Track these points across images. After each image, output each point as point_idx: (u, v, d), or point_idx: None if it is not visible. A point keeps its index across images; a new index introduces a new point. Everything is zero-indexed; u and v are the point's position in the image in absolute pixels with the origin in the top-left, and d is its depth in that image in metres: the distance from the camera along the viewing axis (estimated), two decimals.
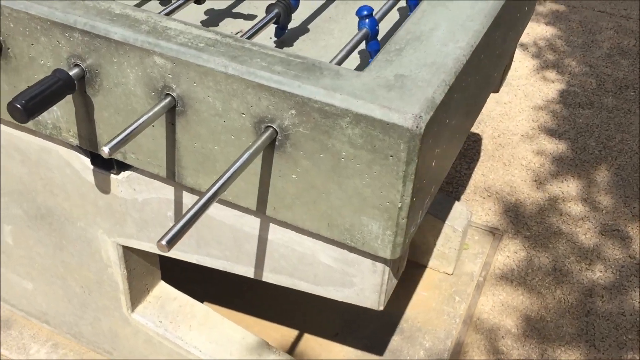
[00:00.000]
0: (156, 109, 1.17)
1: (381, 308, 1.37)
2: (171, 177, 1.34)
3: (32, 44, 1.29)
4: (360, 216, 1.17)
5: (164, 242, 0.94)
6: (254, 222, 1.36)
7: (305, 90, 1.08)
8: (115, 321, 1.88)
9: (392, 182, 1.10)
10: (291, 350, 2.19)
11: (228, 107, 1.16)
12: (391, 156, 1.07)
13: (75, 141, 1.41)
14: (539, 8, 4.13)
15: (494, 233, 2.65)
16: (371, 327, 2.27)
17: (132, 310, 1.82)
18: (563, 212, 2.74)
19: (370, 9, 1.43)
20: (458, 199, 2.79)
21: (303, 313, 2.29)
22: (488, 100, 3.31)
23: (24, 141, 1.57)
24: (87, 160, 1.49)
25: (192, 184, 1.32)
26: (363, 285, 1.33)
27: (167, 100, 1.20)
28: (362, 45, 1.46)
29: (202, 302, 1.92)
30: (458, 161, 2.97)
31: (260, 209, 1.28)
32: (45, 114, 1.40)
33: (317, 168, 1.15)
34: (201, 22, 1.63)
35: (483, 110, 3.27)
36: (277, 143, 1.16)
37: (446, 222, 2.34)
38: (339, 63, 1.31)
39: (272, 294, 2.34)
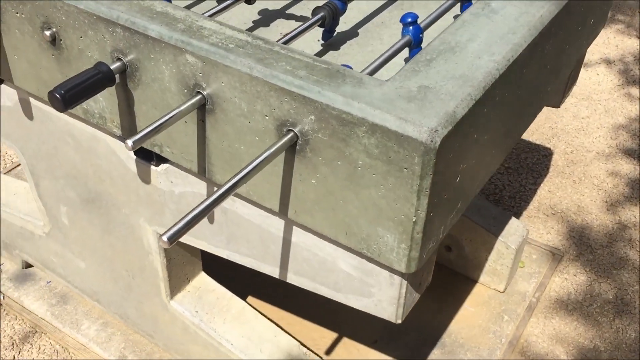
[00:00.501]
0: (183, 107, 1.19)
1: (399, 321, 1.34)
2: (202, 172, 1.37)
3: (81, 37, 1.35)
4: (376, 227, 1.15)
5: (165, 238, 0.96)
6: (278, 224, 1.37)
7: (324, 97, 1.08)
8: (156, 307, 1.94)
9: (406, 195, 1.08)
10: (328, 352, 2.19)
11: (253, 109, 1.17)
12: (405, 169, 1.05)
13: (118, 131, 1.46)
14: (631, 20, 3.92)
15: (554, 253, 2.54)
16: (412, 337, 2.23)
17: (171, 298, 1.87)
18: (632, 239, 2.59)
19: (415, 16, 1.40)
20: (519, 214, 2.69)
21: (345, 316, 2.28)
22: (564, 114, 3.18)
23: (77, 128, 1.64)
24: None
25: (220, 181, 1.34)
26: (381, 296, 1.31)
27: (197, 98, 1.23)
28: (406, 53, 1.44)
29: (246, 294, 1.93)
30: (524, 175, 2.87)
31: (282, 211, 1.28)
32: (92, 103, 1.46)
33: (335, 175, 1.14)
34: (253, 22, 1.65)
35: (557, 124, 3.14)
36: (297, 147, 1.16)
37: (499, 237, 2.27)
38: (375, 70, 1.29)
39: (316, 295, 2.34)
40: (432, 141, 1.01)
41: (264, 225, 1.40)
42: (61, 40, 1.40)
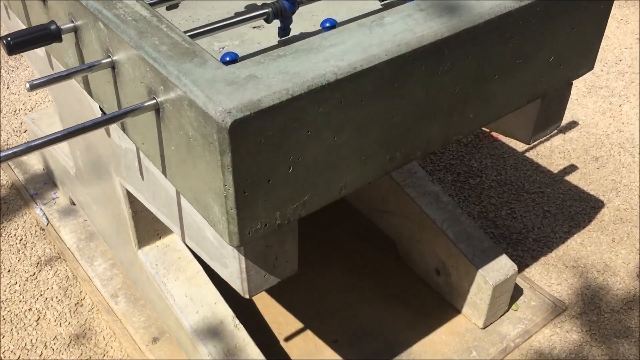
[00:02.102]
0: (86, 66, 1.40)
1: (247, 296, 1.43)
2: (122, 129, 1.57)
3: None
4: (208, 197, 1.27)
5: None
6: (171, 186, 1.53)
7: (165, 70, 1.22)
8: (132, 254, 2.18)
9: (215, 169, 1.19)
10: (287, 339, 2.29)
11: (134, 74, 1.35)
12: (211, 144, 1.16)
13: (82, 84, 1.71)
14: None
15: (556, 305, 2.41)
16: (371, 345, 2.26)
17: (139, 248, 2.10)
18: None
19: (334, 22, 1.48)
20: (536, 259, 2.58)
21: (316, 311, 2.36)
22: (635, 168, 2.96)
23: (76, 82, 1.92)
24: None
25: (133, 138, 1.53)
26: (232, 268, 1.42)
27: (107, 60, 1.42)
28: None
29: None
30: (560, 222, 2.73)
31: (164, 174, 1.44)
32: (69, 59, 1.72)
33: (181, 143, 1.28)
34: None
35: (622, 179, 2.93)
36: (159, 114, 1.31)
37: (480, 270, 2.22)
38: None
39: (304, 283, 2.44)
40: (223, 121, 1.11)
41: (167, 185, 1.57)
42: None
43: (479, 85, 1.51)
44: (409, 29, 1.33)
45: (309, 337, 2.30)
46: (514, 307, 2.40)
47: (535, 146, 3.13)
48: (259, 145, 1.18)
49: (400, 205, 2.45)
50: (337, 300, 2.41)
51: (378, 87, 1.30)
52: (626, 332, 2.31)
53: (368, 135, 1.36)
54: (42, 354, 2.26)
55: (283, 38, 1.71)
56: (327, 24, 1.50)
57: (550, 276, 2.52)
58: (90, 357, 2.24)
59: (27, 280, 2.51)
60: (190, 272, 2.08)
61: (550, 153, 3.10)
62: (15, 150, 1.20)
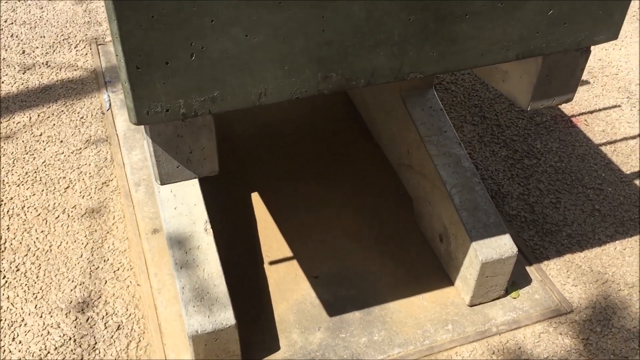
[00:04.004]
0: None
1: (158, 182, 1.46)
2: None
3: None
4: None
5: None
6: None
7: None
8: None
9: (112, 35, 1.21)
10: (271, 263, 2.30)
11: None
12: (107, 8, 1.18)
13: None
14: None
15: (561, 304, 2.19)
16: (348, 290, 2.21)
17: None
18: None
19: None
20: (562, 254, 2.35)
21: (311, 245, 2.35)
22: None
23: None
24: None
25: None
26: (146, 151, 1.44)
27: None
28: None
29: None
30: (606, 225, 2.45)
31: None
32: None
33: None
34: None
35: None
36: None
37: (473, 243, 2.07)
38: None
39: (311, 220, 2.43)
40: None
41: None
42: None
43: (443, 22, 1.38)
44: None
45: (292, 267, 2.29)
46: (513, 294, 2.22)
47: (615, 141, 2.82)
48: (150, 20, 1.18)
49: (421, 162, 2.33)
50: (334, 240, 2.38)
51: None
52: (627, 355, 2.06)
53: (292, 44, 1.30)
54: (58, 217, 2.46)
55: None
56: None
57: (569, 275, 2.29)
58: (95, 230, 2.41)
59: (72, 152, 2.73)
60: None
61: (629, 152, 2.78)
62: None
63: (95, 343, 2.05)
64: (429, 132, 2.30)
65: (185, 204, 2.08)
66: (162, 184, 1.45)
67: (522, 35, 1.47)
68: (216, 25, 1.22)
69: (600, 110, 3.01)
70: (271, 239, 2.38)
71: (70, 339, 2.06)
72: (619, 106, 3.03)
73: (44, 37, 3.37)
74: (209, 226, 2.05)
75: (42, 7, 3.59)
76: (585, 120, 2.95)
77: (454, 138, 2.30)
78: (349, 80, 1.40)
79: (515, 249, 2.08)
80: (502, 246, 2.07)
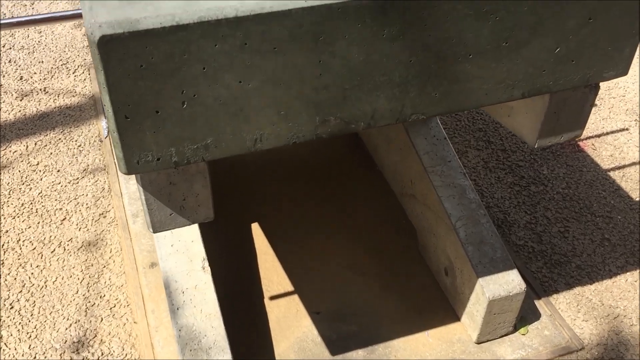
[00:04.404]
0: None
1: (151, 231, 1.40)
2: None
3: None
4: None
5: None
6: None
7: None
8: None
9: (100, 85, 1.15)
10: (269, 296, 2.24)
11: None
12: (94, 58, 1.13)
13: None
14: None
15: (571, 341, 2.12)
16: (351, 328, 2.15)
17: None
18: None
19: None
20: (572, 286, 2.28)
21: (313, 278, 2.29)
22: None
23: None
24: None
25: None
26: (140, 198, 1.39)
27: None
28: None
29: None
30: (617, 255, 2.38)
31: None
32: None
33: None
34: None
35: None
36: None
37: (480, 280, 2.01)
38: None
39: (312, 251, 2.37)
40: (92, 34, 1.07)
41: None
42: None
43: (445, 63, 1.32)
44: None
45: (294, 302, 2.23)
46: (522, 330, 2.15)
47: (623, 166, 2.75)
48: (139, 70, 1.12)
49: (424, 192, 2.27)
50: (336, 272, 2.31)
51: (296, 37, 1.18)
52: None
53: (288, 89, 1.25)
54: (54, 250, 2.40)
55: None
56: None
57: (579, 309, 2.22)
58: (92, 265, 2.35)
59: (69, 182, 2.68)
60: None
61: (639, 178, 2.71)
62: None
63: None
64: (433, 162, 2.24)
65: (182, 241, 2.03)
66: (155, 232, 1.39)
67: (528, 73, 1.41)
68: (208, 73, 1.17)
69: (607, 133, 2.94)
70: (271, 272, 2.32)
71: None
72: (627, 129, 2.97)
73: (42, 62, 3.33)
74: (206, 264, 1.99)
75: (40, 32, 3.55)
76: (593, 144, 2.88)
77: (459, 168, 2.24)
78: (348, 124, 1.35)
79: (523, 286, 2.01)
80: (510, 282, 2.01)
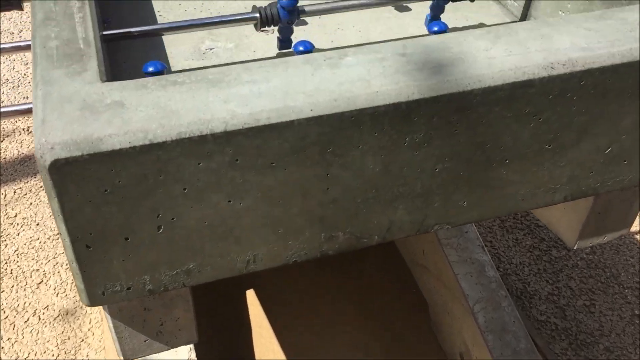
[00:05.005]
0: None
1: (121, 358, 1.18)
2: None
3: None
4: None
5: None
6: None
7: (35, 72, 0.98)
8: None
9: (54, 212, 0.93)
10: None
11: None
12: (45, 182, 0.91)
13: None
14: None
15: None
16: None
17: None
18: None
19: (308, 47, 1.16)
20: None
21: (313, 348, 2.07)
22: None
23: None
24: None
25: None
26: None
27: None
28: None
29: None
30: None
31: None
32: None
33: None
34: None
35: None
36: None
37: None
38: None
39: (315, 329, 2.15)
40: (41, 157, 0.85)
41: None
42: None
43: (477, 169, 1.10)
44: (364, 79, 0.97)
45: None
46: None
47: None
48: (103, 195, 0.90)
49: (438, 266, 2.05)
50: (339, 354, 2.09)
51: (298, 151, 0.96)
52: None
53: (288, 206, 1.03)
54: (28, 320, 2.18)
55: (282, 51, 1.41)
56: (301, 47, 1.18)
57: None
58: (68, 338, 2.13)
59: (49, 238, 2.46)
60: None
61: None
62: None
63: None
64: (448, 233, 2.02)
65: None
66: (121, 357, 1.18)
67: (574, 176, 1.19)
68: (190, 194, 0.95)
69: None
70: (267, 351, 2.10)
71: None
72: None
73: (28, 97, 3.11)
74: (193, 354, 1.77)
75: (27, 63, 3.34)
76: None
77: (476, 240, 2.01)
78: (360, 239, 1.13)
79: None
80: None
